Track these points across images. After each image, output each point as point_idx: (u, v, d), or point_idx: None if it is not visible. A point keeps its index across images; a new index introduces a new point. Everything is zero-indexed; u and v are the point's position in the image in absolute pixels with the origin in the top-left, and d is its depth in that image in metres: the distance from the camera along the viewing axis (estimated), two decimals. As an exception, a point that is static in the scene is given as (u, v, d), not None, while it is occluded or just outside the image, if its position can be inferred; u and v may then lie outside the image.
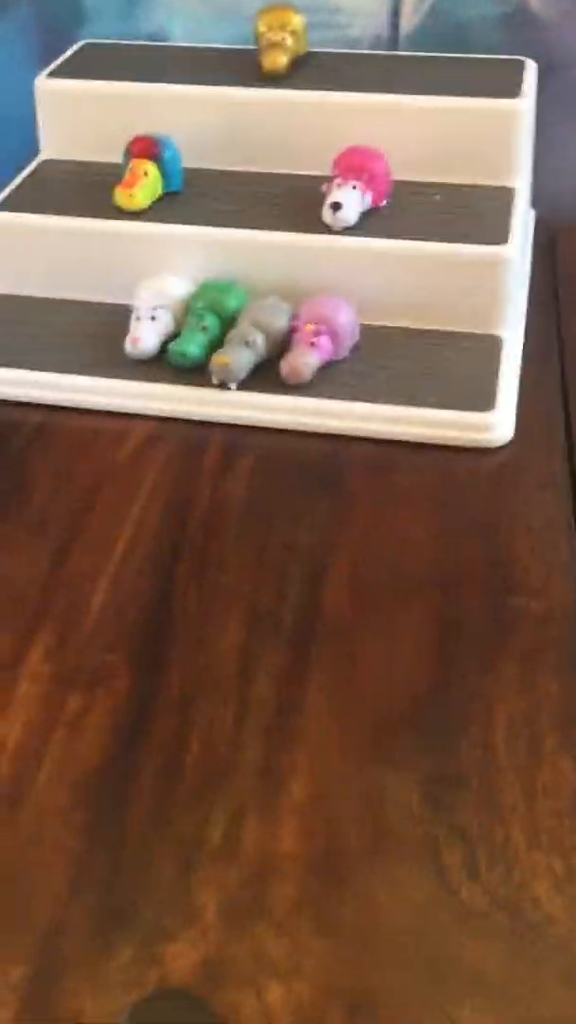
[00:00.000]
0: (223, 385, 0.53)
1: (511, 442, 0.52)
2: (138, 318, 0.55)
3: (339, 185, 0.56)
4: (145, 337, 0.55)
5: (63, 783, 0.38)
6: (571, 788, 0.37)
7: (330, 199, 0.56)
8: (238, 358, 0.53)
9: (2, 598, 0.44)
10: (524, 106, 0.59)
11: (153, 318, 0.55)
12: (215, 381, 0.53)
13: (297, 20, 0.63)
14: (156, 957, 0.33)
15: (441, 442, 0.52)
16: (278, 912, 0.34)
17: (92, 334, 0.57)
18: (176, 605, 0.44)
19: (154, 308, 0.55)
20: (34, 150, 0.64)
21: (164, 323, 0.55)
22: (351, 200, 0.56)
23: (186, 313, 0.56)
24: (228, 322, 0.55)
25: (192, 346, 0.54)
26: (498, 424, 0.52)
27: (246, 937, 0.33)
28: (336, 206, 0.56)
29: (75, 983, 0.32)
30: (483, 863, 0.35)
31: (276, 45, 0.62)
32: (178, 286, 0.56)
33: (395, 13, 0.69)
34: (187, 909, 0.34)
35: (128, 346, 0.55)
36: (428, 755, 0.38)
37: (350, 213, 0.56)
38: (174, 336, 0.55)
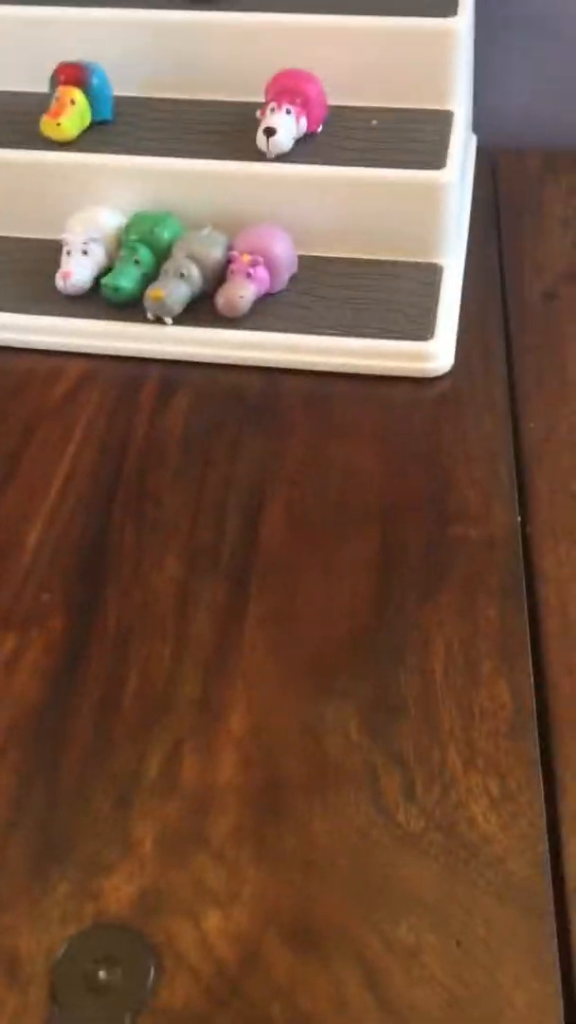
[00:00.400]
0: (159, 320, 0.52)
1: (451, 371, 0.52)
2: (69, 252, 0.54)
3: (273, 110, 0.54)
4: (77, 272, 0.53)
5: (-2, 723, 0.37)
6: (507, 711, 0.37)
7: (264, 124, 0.54)
8: (173, 291, 0.51)
9: None
10: (460, 25, 0.57)
11: (85, 252, 0.54)
12: (150, 316, 0.52)
13: None
14: (93, 891, 0.33)
15: (380, 372, 0.51)
16: (216, 842, 0.34)
17: (22, 271, 0.55)
18: (112, 542, 0.43)
19: (85, 242, 0.54)
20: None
21: (96, 257, 0.54)
22: (285, 125, 0.54)
23: (119, 247, 0.54)
24: (163, 254, 0.53)
25: (125, 280, 0.52)
26: (438, 353, 0.51)
27: (184, 868, 0.33)
28: (270, 131, 0.54)
29: (12, 919, 0.32)
30: (420, 786, 0.35)
31: (206, -35, 0.60)
32: (110, 218, 0.55)
33: None
34: (124, 843, 0.34)
35: (59, 281, 0.53)
36: (366, 684, 0.38)
37: (284, 139, 0.54)
38: (107, 271, 0.54)
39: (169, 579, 0.42)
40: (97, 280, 0.54)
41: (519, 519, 0.44)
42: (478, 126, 0.68)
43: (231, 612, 0.41)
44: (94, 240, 0.54)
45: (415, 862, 0.33)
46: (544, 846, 0.34)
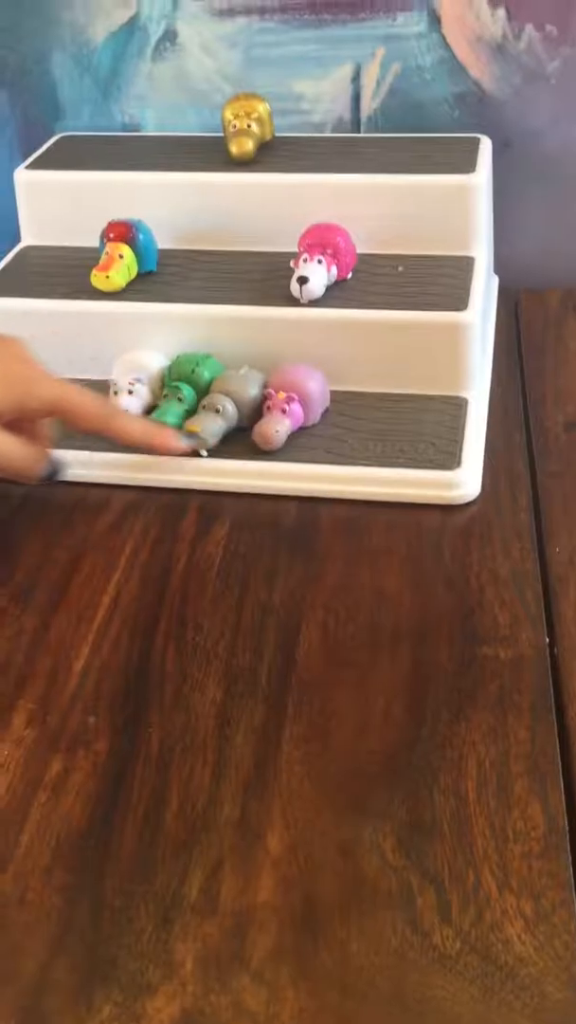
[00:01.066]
0: (196, 453, 0.55)
1: (478, 498, 0.54)
2: (115, 392, 0.57)
3: (305, 260, 0.59)
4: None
5: (45, 844, 0.38)
6: (540, 831, 0.38)
7: (297, 273, 0.58)
8: (208, 425, 0.55)
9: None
10: (479, 180, 0.62)
11: (131, 392, 0.57)
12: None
13: (262, 108, 0.66)
14: (136, 1012, 0.33)
15: (410, 500, 0.53)
16: (255, 963, 0.35)
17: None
18: (155, 666, 0.45)
19: (131, 382, 0.57)
20: (15, 240, 0.67)
21: (141, 396, 0.58)
22: (317, 274, 0.58)
23: (163, 386, 0.58)
24: (203, 392, 0.57)
25: (170, 416, 0.56)
26: (465, 482, 0.54)
27: (224, 989, 0.34)
28: (303, 280, 0.58)
29: (57, 1039, 0.33)
30: (455, 907, 0.36)
31: (243, 132, 0.65)
32: (153, 360, 0.59)
33: (356, 98, 0.73)
34: (167, 963, 0.35)
35: (107, 419, 0.57)
36: (401, 804, 0.39)
37: (316, 286, 0.58)
38: (152, 408, 0.57)
39: (209, 701, 0.44)
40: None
41: (547, 640, 0.46)
42: (499, 267, 0.72)
43: (268, 733, 0.42)
44: (139, 380, 0.58)
45: (452, 984, 0.34)
46: (580, 967, 0.34)
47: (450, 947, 0.35)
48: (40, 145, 0.70)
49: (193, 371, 0.57)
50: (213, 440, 0.55)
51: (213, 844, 0.38)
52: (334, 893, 0.36)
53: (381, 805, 0.39)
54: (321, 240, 0.59)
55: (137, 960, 0.35)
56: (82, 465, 0.56)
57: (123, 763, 0.41)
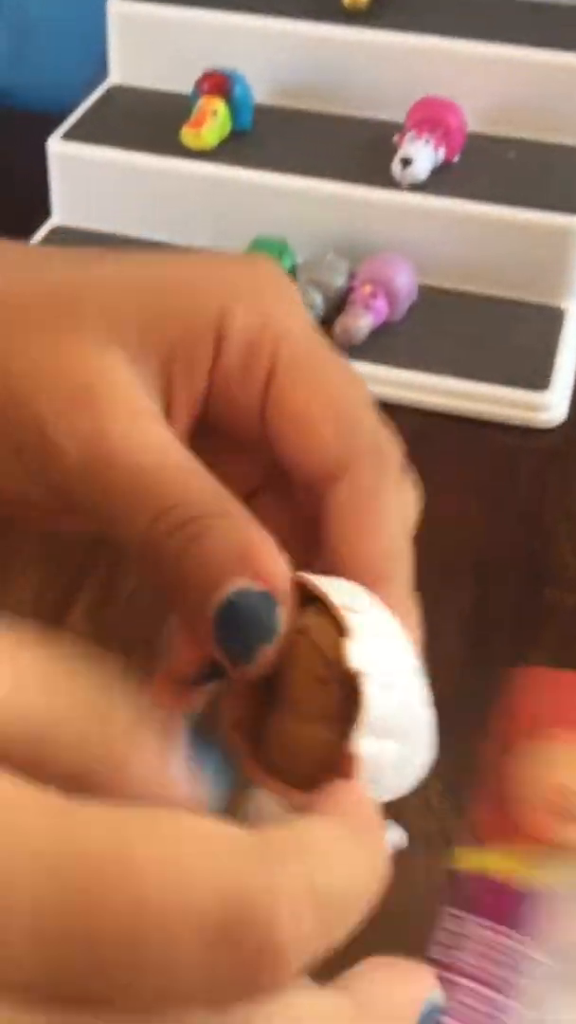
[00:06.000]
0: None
1: (564, 423, 0.51)
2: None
3: (412, 139, 0.54)
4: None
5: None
6: (581, 793, 0.37)
7: (401, 153, 0.54)
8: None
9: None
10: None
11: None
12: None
13: (384, -50, 0.60)
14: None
15: (490, 418, 0.51)
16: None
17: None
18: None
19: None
20: (101, 68, 0.62)
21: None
22: (423, 155, 0.54)
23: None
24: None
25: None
26: (552, 404, 0.51)
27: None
28: (406, 161, 0.54)
29: None
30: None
31: (359, -23, 0.59)
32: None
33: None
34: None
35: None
36: (450, 748, 0.39)
37: (420, 169, 0.54)
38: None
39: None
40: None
41: (615, 590, 0.44)
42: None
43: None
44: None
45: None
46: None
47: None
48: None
49: (277, 261, 0.54)
50: None
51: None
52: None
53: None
54: (432, 116, 0.55)
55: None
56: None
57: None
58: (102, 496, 0.18)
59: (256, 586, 0.17)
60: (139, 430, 0.18)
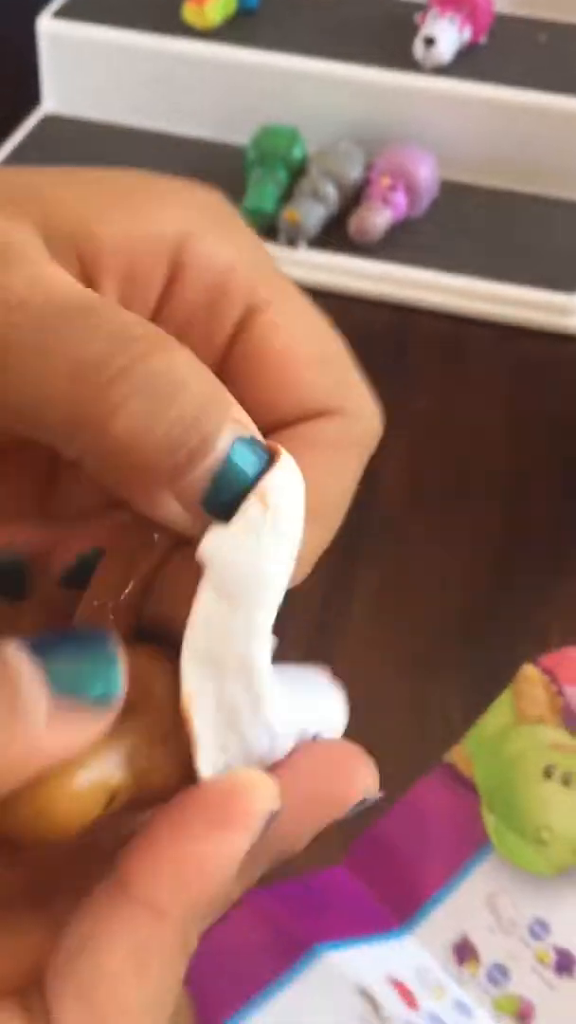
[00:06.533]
0: (291, 242, 0.48)
1: (594, 328, 0.48)
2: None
3: (435, 17, 0.50)
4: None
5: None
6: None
7: (423, 32, 0.50)
8: (309, 213, 0.48)
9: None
10: None
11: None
12: (283, 240, 0.49)
13: None
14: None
15: (518, 323, 0.47)
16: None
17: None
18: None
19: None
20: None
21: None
22: (447, 35, 0.50)
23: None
24: (294, 171, 0.49)
25: (266, 201, 0.48)
26: (582, 308, 0.47)
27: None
28: (429, 41, 0.49)
29: None
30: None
31: None
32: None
33: None
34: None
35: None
36: (475, 669, 0.36)
37: (444, 50, 0.50)
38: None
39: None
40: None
41: None
42: None
43: (339, 576, 0.39)
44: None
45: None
46: None
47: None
48: None
49: (282, 148, 0.49)
50: (314, 231, 0.48)
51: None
52: (394, 748, 0.34)
53: (452, 668, 0.36)
54: (457, -9, 0.50)
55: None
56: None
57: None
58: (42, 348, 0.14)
59: (245, 432, 0.15)
60: (63, 274, 0.15)
